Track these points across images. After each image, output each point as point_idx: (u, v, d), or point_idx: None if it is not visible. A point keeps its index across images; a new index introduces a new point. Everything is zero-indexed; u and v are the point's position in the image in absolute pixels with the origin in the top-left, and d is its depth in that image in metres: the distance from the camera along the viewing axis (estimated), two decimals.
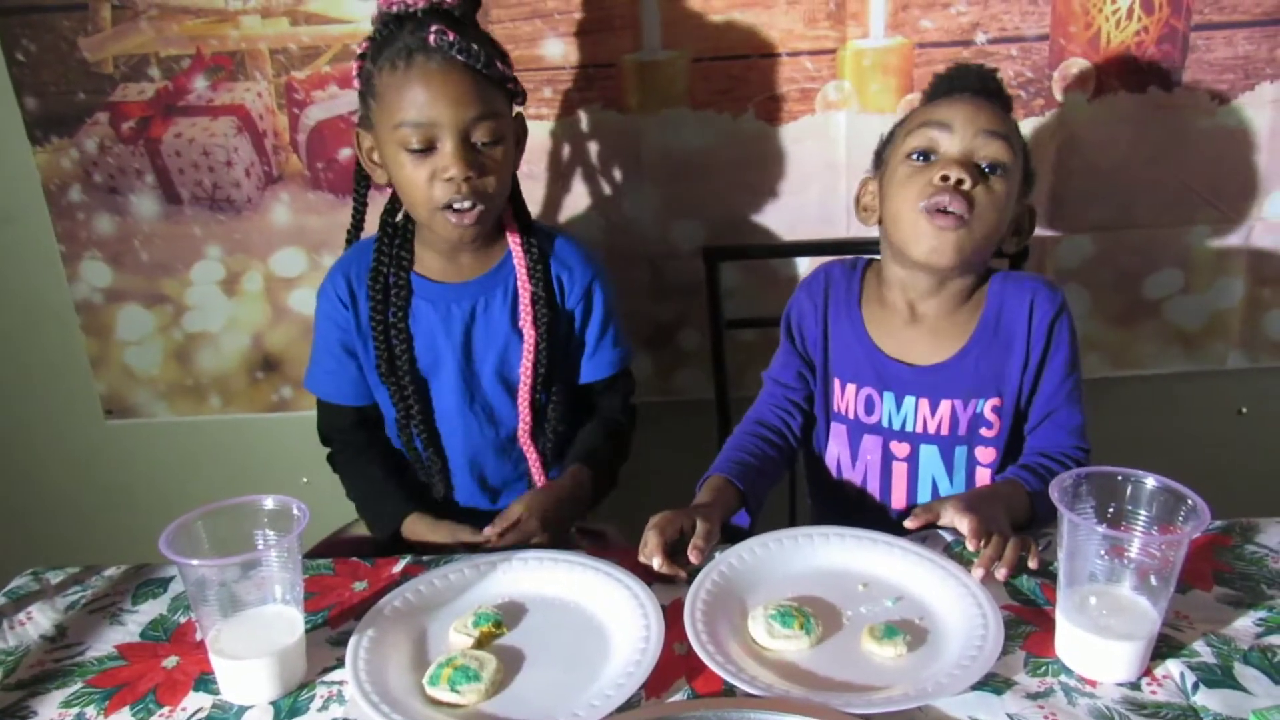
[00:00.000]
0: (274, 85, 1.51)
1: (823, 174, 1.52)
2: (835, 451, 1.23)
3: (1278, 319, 1.61)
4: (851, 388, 1.20)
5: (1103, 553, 0.81)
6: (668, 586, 0.95)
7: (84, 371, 1.71)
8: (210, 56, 1.50)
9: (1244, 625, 0.85)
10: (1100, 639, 0.79)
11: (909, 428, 1.17)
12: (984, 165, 1.09)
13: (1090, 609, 0.81)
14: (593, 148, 1.54)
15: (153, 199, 1.59)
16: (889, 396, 1.17)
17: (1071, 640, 0.81)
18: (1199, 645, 0.83)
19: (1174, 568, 0.78)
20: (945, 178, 1.07)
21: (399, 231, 1.26)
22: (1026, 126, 1.48)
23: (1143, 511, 0.83)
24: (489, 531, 1.15)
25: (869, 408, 1.19)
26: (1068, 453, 1.13)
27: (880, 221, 1.18)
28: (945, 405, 1.15)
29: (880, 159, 1.20)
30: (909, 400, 1.16)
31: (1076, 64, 1.45)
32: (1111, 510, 0.84)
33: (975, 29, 1.44)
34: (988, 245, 1.12)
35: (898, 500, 1.20)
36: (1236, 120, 1.48)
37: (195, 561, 0.82)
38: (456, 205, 1.15)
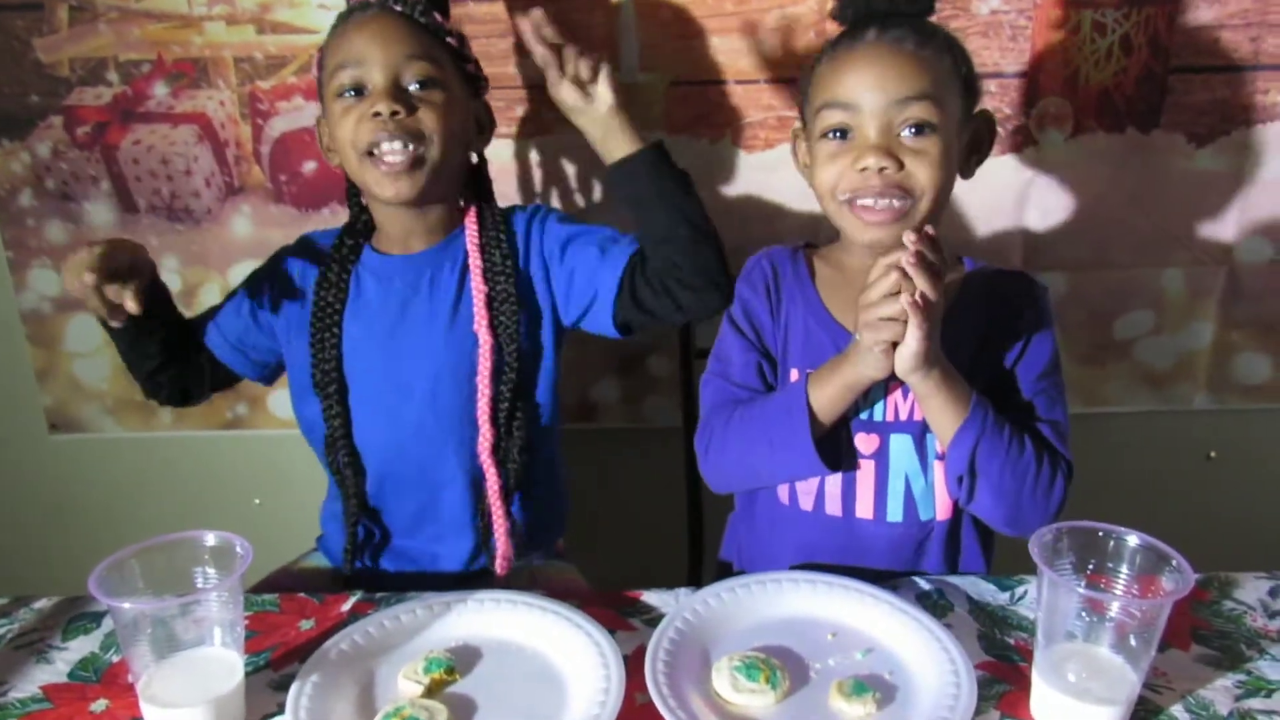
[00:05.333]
0: (237, 94, 1.46)
1: (798, 202, 1.49)
2: None
3: (1246, 362, 1.60)
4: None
5: (1082, 612, 0.78)
6: (630, 635, 0.91)
7: (29, 383, 1.64)
8: (172, 63, 1.45)
9: (1223, 685, 0.83)
10: (1078, 702, 0.76)
11: (878, 417, 1.07)
12: (908, 131, 1.00)
13: (1068, 670, 0.78)
14: (565, 169, 1.50)
15: (108, 207, 1.53)
16: None
17: (1048, 702, 0.78)
18: (1177, 709, 0.80)
19: (1155, 630, 0.75)
20: (865, 168, 1.00)
21: (356, 231, 1.23)
22: (1003, 163, 1.47)
23: (1124, 568, 0.80)
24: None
25: None
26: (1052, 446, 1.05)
27: None
28: None
29: (803, 116, 1.12)
30: (878, 386, 1.04)
31: (1054, 103, 1.44)
32: (1091, 566, 0.81)
33: None
34: (942, 201, 1.04)
35: (863, 508, 1.09)
36: (1212, 164, 1.47)
37: (127, 604, 0.77)
38: (385, 146, 1.09)
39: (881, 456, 1.07)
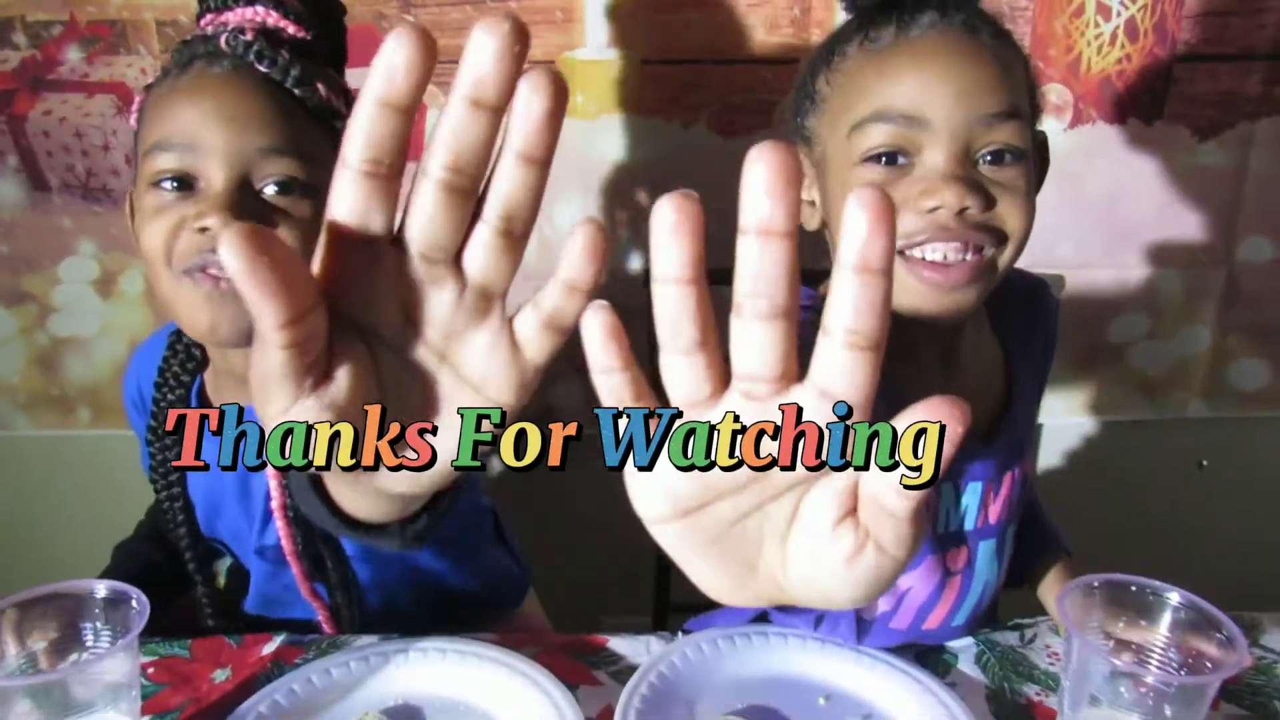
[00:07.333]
0: (160, 62, 1.31)
1: None
2: None
3: (1243, 369, 1.53)
4: None
5: (1120, 687, 0.68)
6: (594, 690, 0.80)
7: None
8: (85, 24, 1.30)
9: None
10: None
11: (968, 525, 0.84)
12: (987, 155, 0.74)
13: None
14: None
15: (15, 184, 1.38)
16: (946, 490, 0.82)
17: None
18: None
19: (1201, 706, 0.66)
20: (938, 206, 0.72)
21: (184, 351, 0.93)
22: None
23: (1162, 629, 0.70)
24: None
25: None
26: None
27: (826, 227, 0.81)
28: (1008, 480, 0.85)
29: (805, 130, 0.81)
30: (973, 488, 0.82)
31: (1054, 90, 1.34)
32: (1123, 623, 0.71)
33: None
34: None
35: (935, 619, 0.85)
36: (1215, 159, 1.39)
37: None
38: (212, 266, 0.76)
39: (968, 571, 0.86)
